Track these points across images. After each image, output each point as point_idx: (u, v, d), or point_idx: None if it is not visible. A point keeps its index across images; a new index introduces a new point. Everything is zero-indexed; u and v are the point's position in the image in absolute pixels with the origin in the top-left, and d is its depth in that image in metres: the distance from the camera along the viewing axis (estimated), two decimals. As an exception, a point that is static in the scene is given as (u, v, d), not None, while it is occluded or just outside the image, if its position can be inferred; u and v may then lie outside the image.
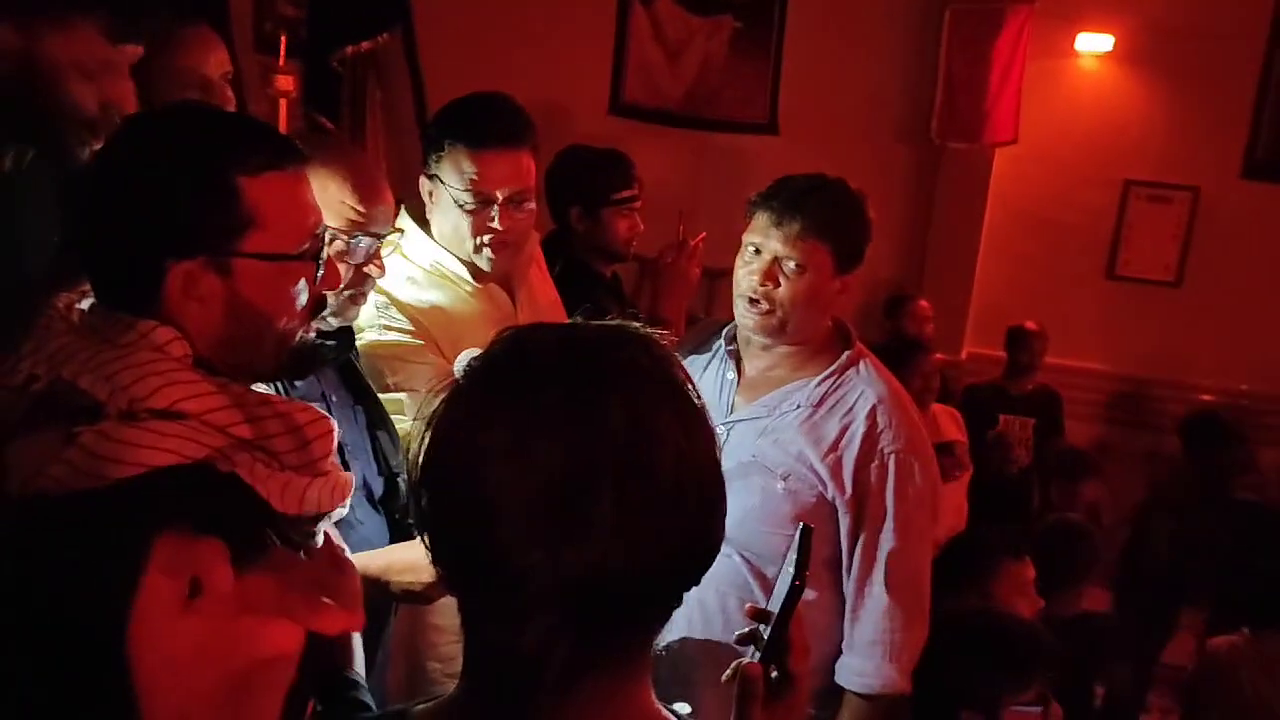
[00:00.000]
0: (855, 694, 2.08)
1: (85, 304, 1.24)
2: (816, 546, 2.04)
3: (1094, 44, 5.54)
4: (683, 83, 5.66)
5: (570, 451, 0.83)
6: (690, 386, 0.91)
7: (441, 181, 2.09)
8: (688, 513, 0.88)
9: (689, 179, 5.03)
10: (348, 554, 1.38)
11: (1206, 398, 5.82)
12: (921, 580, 2.11)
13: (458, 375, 0.92)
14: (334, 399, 1.73)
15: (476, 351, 0.94)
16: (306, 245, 1.26)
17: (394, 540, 1.72)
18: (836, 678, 2.10)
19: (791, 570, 1.07)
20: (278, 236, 1.22)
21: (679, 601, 0.92)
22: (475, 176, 2.04)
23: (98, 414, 1.08)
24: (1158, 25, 5.42)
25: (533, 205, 2.15)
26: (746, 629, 1.13)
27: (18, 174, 1.65)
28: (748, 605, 1.16)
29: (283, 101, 3.62)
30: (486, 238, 2.08)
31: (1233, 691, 3.19)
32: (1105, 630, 3.54)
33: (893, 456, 2.04)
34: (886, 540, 2.05)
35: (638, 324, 0.93)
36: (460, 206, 2.07)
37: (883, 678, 2.06)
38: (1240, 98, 5.53)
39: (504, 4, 5.45)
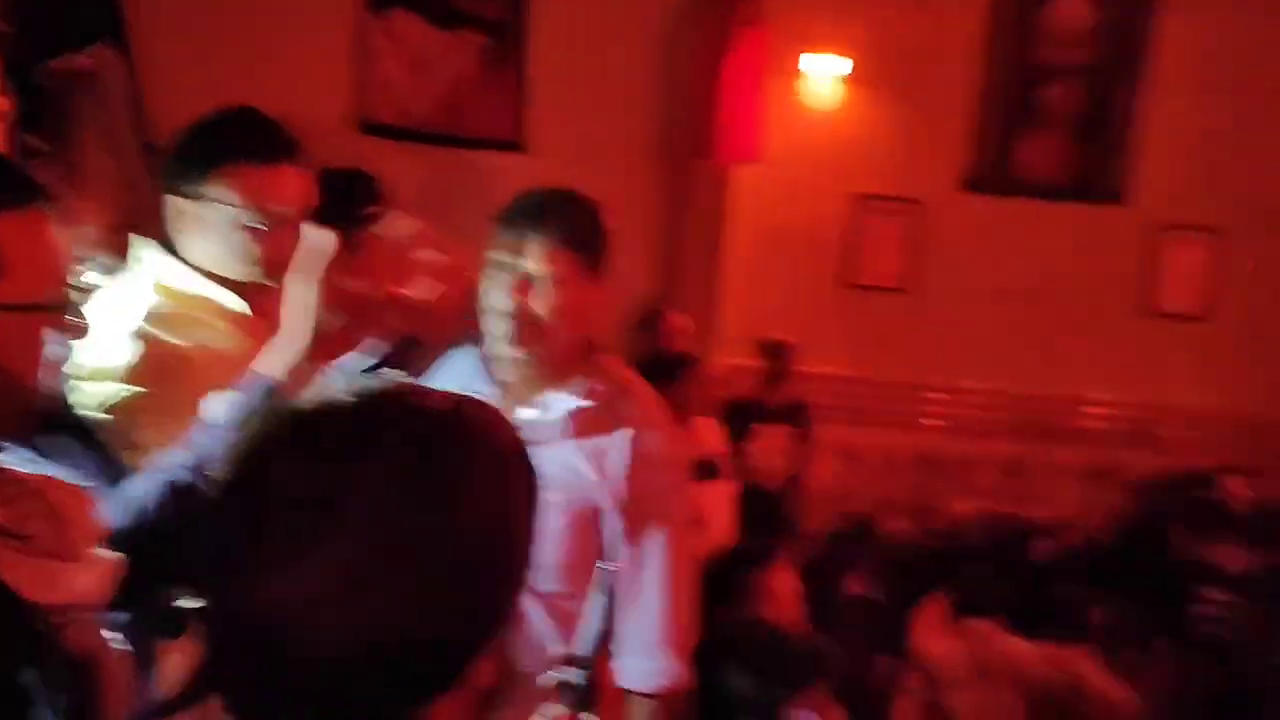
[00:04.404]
0: (643, 693, 2.10)
1: None
2: (586, 551, 2.12)
3: (827, 65, 5.84)
4: (430, 99, 5.54)
5: (379, 524, 0.79)
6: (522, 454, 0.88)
7: (215, 202, 1.93)
8: (485, 579, 0.84)
9: (440, 197, 4.91)
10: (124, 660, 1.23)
11: (933, 395, 6.25)
12: (694, 576, 2.20)
13: (208, 423, 0.83)
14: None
15: (226, 397, 0.85)
16: (55, 293, 1.13)
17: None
18: (619, 682, 2.11)
19: (599, 616, 1.03)
20: (23, 284, 1.09)
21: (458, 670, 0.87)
22: (265, 193, 1.92)
23: None
24: (885, 48, 5.77)
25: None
26: (554, 678, 1.08)
27: None
28: (551, 653, 1.11)
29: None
30: (268, 258, 1.94)
31: None
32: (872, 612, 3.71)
33: (657, 459, 2.14)
34: (658, 540, 2.12)
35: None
36: (241, 228, 1.92)
37: (671, 674, 2.12)
38: (959, 116, 5.98)
39: (227, 18, 5.16)
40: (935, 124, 5.96)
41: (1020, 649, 3.28)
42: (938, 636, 3.38)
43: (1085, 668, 3.30)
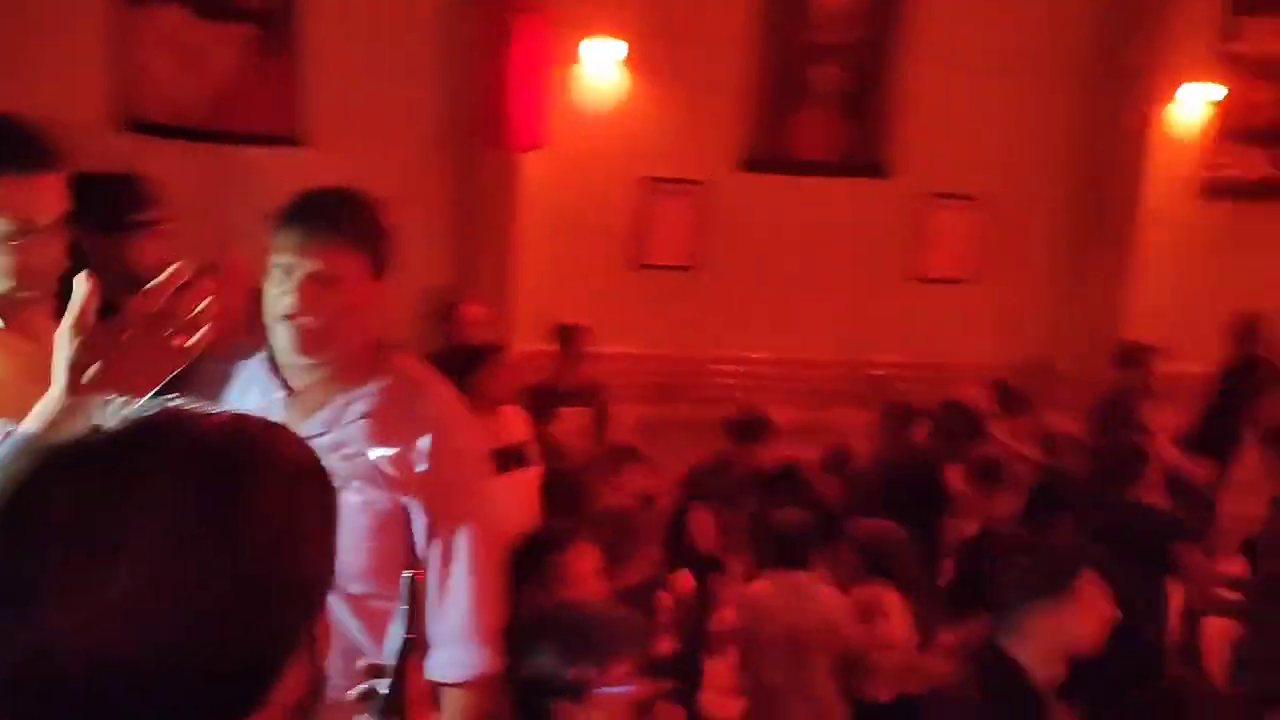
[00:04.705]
0: (455, 684, 2.12)
1: None
2: (394, 551, 2.11)
3: (608, 51, 5.93)
4: (199, 94, 5.30)
5: (161, 551, 0.78)
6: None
7: None
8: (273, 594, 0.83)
9: (214, 198, 4.73)
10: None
11: (726, 367, 6.46)
12: (500, 565, 2.24)
13: None
14: None
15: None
16: None
17: None
18: (430, 675, 2.09)
19: (404, 623, 1.05)
20: None
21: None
22: (23, 204, 1.80)
23: None
24: (661, 31, 5.90)
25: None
26: (361, 687, 1.09)
27: None
28: (360, 663, 1.12)
29: None
30: (24, 271, 1.83)
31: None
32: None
33: (457, 453, 2.14)
34: (464, 532, 2.14)
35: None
36: None
37: (482, 663, 2.14)
38: (736, 97, 6.18)
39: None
40: (713, 106, 6.15)
41: (832, 606, 3.48)
42: (749, 582, 3.55)
43: (894, 626, 3.52)
